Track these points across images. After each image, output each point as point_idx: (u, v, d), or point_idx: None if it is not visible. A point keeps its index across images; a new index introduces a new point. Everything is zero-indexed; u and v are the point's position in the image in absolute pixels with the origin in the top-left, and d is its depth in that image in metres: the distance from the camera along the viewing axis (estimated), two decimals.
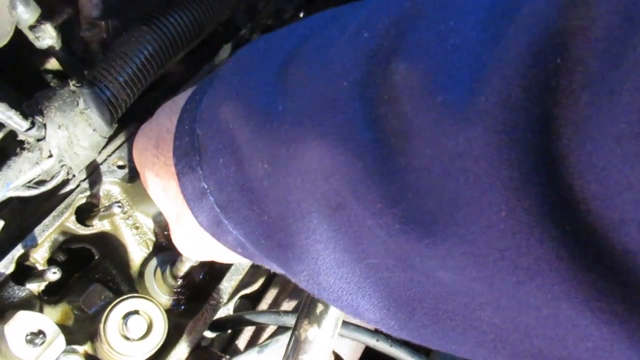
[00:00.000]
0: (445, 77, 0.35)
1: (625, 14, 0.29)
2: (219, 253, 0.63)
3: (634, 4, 0.29)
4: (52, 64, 0.86)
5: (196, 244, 0.63)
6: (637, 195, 0.28)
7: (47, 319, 0.70)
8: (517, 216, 0.33)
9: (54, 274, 0.73)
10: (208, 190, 0.52)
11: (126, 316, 0.74)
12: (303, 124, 0.43)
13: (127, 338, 0.74)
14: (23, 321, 0.69)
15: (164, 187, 0.61)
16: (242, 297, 1.01)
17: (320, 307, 0.64)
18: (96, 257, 0.84)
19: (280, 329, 0.90)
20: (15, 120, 0.69)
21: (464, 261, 0.36)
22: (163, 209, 0.63)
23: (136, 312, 0.75)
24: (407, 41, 0.39)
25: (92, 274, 0.83)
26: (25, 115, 0.71)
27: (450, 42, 0.36)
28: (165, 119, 0.61)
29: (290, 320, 0.80)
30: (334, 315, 0.64)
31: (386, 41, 0.40)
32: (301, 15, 1.13)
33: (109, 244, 0.84)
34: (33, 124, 0.71)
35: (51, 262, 0.79)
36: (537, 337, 0.36)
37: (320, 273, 0.46)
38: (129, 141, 0.85)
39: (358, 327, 0.80)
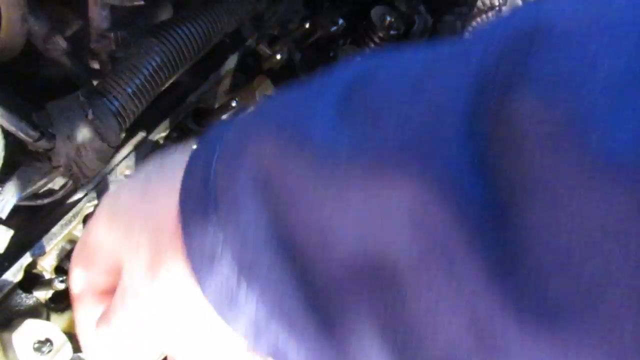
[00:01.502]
0: (599, 120, 0.27)
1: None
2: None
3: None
4: (62, 75, 0.86)
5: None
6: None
7: (55, 327, 0.71)
8: None
9: (61, 282, 0.74)
10: (224, 245, 0.39)
11: None
12: (387, 164, 0.34)
13: None
14: (30, 329, 0.69)
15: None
16: None
17: None
18: None
19: None
20: (25, 131, 0.70)
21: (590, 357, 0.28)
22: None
23: None
24: (533, 69, 0.30)
25: None
26: (35, 126, 0.72)
27: (598, 72, 0.28)
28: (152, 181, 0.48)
29: None
30: None
31: (502, 67, 0.31)
32: (307, 25, 1.13)
33: None
34: (43, 135, 0.72)
35: (59, 270, 0.79)
36: None
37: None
38: (137, 150, 0.86)
39: None
